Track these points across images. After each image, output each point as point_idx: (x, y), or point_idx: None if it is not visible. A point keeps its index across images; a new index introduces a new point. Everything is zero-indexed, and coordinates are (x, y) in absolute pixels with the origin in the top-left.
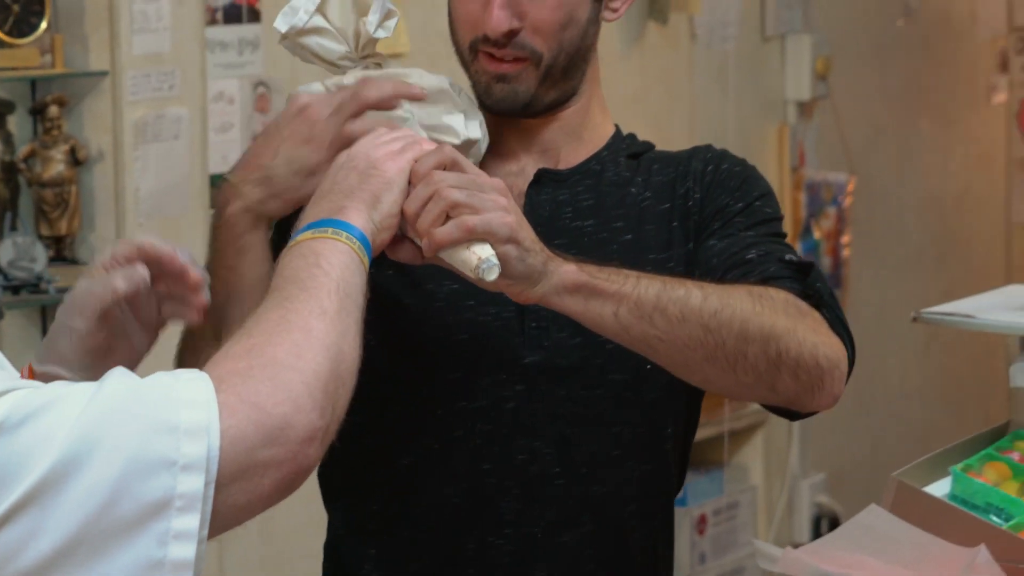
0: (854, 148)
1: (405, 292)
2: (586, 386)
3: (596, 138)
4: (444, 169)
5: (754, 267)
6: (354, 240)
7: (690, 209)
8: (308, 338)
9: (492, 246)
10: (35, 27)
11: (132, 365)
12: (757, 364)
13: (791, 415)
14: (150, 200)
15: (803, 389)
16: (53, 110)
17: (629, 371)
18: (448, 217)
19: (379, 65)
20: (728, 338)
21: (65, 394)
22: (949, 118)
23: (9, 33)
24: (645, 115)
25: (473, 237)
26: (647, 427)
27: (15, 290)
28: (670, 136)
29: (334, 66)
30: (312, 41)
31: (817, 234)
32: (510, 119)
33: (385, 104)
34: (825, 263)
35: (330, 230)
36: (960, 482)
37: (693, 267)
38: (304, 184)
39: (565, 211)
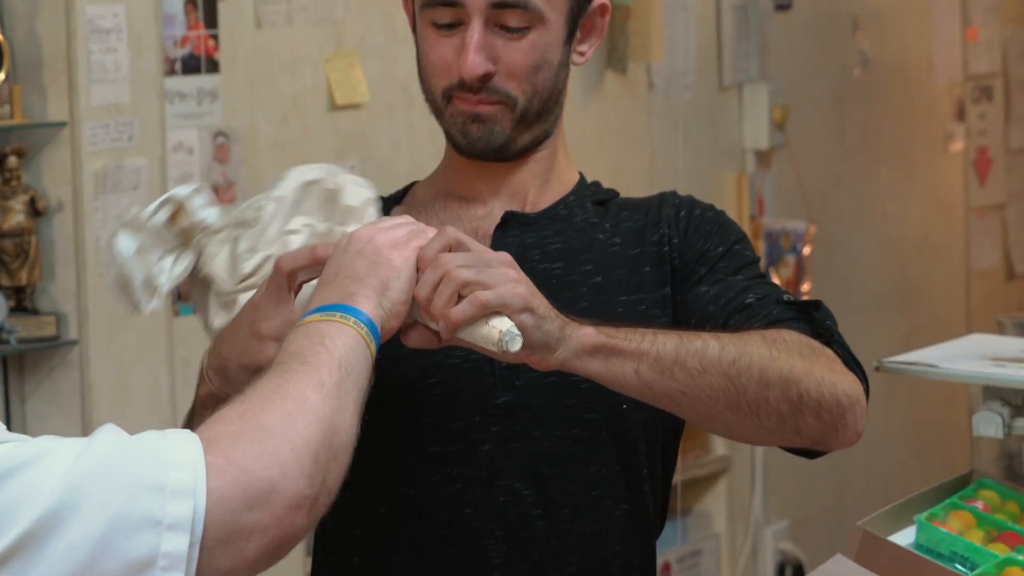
0: (812, 196)
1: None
2: (562, 426)
3: (563, 182)
4: (450, 250)
5: (756, 311)
6: (362, 326)
7: (666, 255)
8: (302, 408)
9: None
10: None
11: None
12: (780, 408)
13: (811, 454)
14: (111, 250)
15: (827, 428)
16: (12, 160)
17: (604, 411)
18: (460, 297)
19: (213, 232)
20: (749, 385)
21: (53, 448)
22: (907, 166)
23: None
24: (604, 163)
25: (488, 312)
26: (625, 467)
27: None
28: (629, 184)
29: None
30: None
31: (777, 282)
32: (481, 162)
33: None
34: None
35: (338, 315)
36: (925, 531)
37: (685, 315)
38: (251, 379)
39: (533, 254)
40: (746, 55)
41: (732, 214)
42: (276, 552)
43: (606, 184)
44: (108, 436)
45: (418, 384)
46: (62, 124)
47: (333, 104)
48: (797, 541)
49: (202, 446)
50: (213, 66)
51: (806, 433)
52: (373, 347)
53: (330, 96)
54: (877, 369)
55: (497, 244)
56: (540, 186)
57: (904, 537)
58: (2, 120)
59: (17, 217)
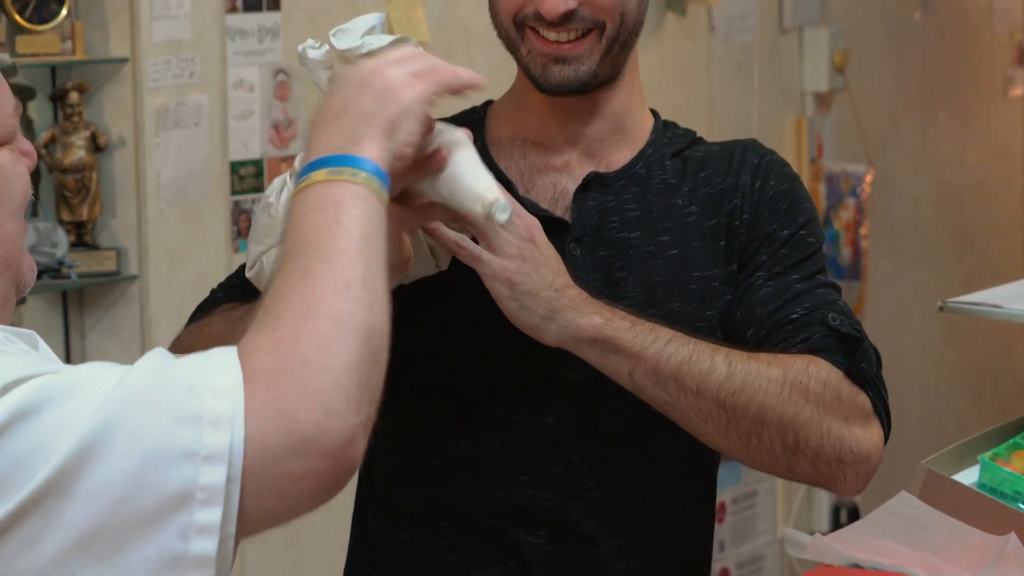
0: (871, 140)
1: (453, 303)
2: (628, 403)
3: (639, 129)
4: None
5: (798, 332)
6: (373, 180)
7: (736, 229)
8: (336, 326)
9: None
10: (55, 14)
11: None
12: (772, 447)
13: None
14: (171, 186)
15: (822, 477)
16: (73, 96)
17: None
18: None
19: None
20: (743, 419)
21: (91, 378)
22: (966, 111)
23: (30, 19)
24: (663, 106)
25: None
26: (689, 444)
27: (37, 275)
28: (688, 127)
29: None
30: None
31: (837, 225)
32: (557, 102)
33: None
34: (845, 254)
35: (347, 170)
36: (988, 471)
37: (736, 301)
38: None
39: (611, 220)
40: None
41: (791, 157)
42: (333, 487)
43: None
44: (149, 363)
45: (490, 353)
46: (124, 60)
47: None
48: None
49: (241, 371)
50: (274, 4)
51: (801, 475)
52: (385, 197)
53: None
54: (941, 309)
55: (578, 208)
56: (615, 134)
57: (967, 477)
58: (64, 56)
59: (78, 153)
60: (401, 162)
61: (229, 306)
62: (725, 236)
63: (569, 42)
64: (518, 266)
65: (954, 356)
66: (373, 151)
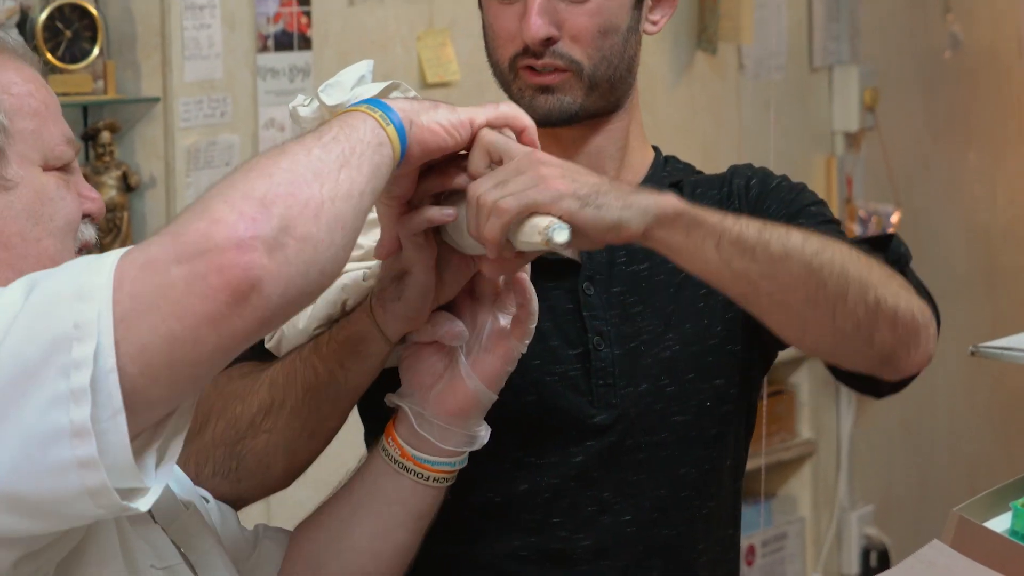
0: (901, 179)
1: None
2: (650, 432)
3: (638, 164)
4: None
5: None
6: (388, 121)
7: None
8: (258, 166)
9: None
10: (87, 53)
11: None
12: (856, 310)
13: (877, 389)
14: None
15: (900, 343)
16: (105, 136)
17: (690, 411)
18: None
19: None
20: (829, 279)
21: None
22: (996, 150)
23: (62, 59)
24: (693, 144)
25: (520, 217)
26: (709, 464)
27: None
28: (717, 166)
29: None
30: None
31: None
32: (554, 135)
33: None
34: None
35: (365, 106)
36: (1021, 517)
37: None
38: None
39: (619, 255)
40: (837, 37)
41: (821, 196)
42: (228, 296)
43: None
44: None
45: (514, 401)
46: (155, 100)
47: (424, 82)
48: (882, 526)
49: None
50: (305, 43)
51: (879, 345)
52: (398, 147)
53: (421, 74)
54: (972, 354)
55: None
56: (617, 168)
57: (999, 523)
58: (96, 95)
59: (110, 192)
60: (430, 135)
61: (248, 366)
62: None
63: (549, 73)
64: (561, 180)
65: (985, 398)
66: (400, 106)
